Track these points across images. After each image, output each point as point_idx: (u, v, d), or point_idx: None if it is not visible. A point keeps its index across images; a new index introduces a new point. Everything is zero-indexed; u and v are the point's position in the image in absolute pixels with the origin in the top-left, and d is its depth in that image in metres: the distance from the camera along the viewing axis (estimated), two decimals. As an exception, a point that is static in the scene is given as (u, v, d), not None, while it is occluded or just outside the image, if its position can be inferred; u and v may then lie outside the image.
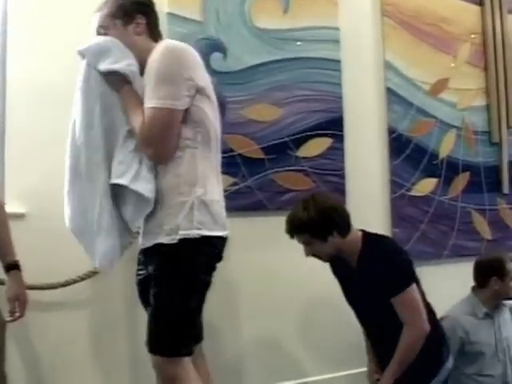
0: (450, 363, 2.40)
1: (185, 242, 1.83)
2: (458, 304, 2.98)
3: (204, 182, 1.90)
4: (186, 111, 1.87)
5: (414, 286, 2.29)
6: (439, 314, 3.31)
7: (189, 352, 1.89)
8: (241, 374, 2.86)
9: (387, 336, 2.33)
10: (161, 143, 1.85)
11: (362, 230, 2.42)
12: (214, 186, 1.95)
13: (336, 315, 2.93)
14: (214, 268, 1.96)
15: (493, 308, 2.92)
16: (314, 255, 2.37)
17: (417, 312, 2.27)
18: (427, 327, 2.27)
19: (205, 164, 1.91)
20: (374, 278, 2.26)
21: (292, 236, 2.34)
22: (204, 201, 1.88)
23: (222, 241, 1.97)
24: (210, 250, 1.90)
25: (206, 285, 1.92)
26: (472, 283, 3.38)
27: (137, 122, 1.86)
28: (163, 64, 1.85)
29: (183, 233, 1.83)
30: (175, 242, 1.83)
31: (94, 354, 2.54)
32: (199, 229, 1.85)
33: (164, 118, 1.83)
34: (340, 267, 2.45)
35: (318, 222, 2.26)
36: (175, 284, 1.84)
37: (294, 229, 2.31)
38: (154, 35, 2.04)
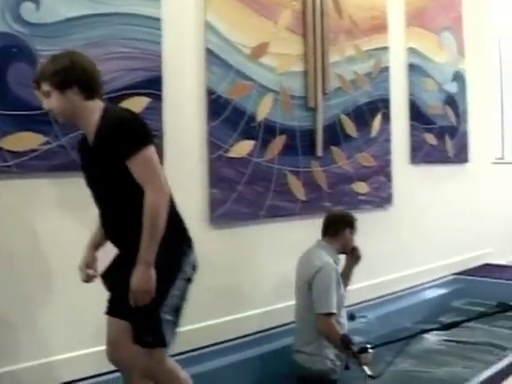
0: (192, 258, 2.44)
1: None
2: (317, 253, 3.35)
3: None
4: None
5: (152, 148, 2.29)
6: (264, 271, 3.65)
7: None
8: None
9: (123, 221, 2.35)
10: None
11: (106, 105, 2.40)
12: None
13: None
14: None
15: None
16: (52, 112, 2.35)
17: (156, 172, 2.26)
18: (168, 190, 2.29)
19: None
20: (108, 145, 2.25)
21: (38, 86, 2.32)
22: None
23: None
24: None
25: None
26: (287, 241, 3.77)
27: None
28: None
29: None
30: None
31: None
32: None
33: None
34: (83, 152, 2.46)
35: (60, 70, 2.26)
36: None
37: (38, 73, 2.32)
38: None
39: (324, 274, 3.21)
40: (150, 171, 2.26)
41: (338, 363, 3.23)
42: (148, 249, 2.22)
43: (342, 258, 3.51)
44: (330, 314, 3.16)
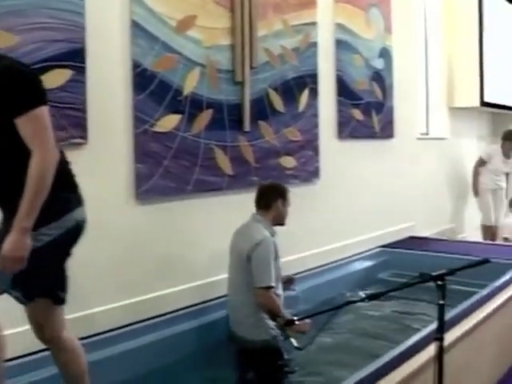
0: (77, 215, 2.36)
1: None
2: (255, 227, 3.40)
3: None
4: None
5: (46, 108, 2.21)
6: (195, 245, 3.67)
7: None
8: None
9: (7, 183, 2.24)
10: None
11: None
12: None
13: None
14: None
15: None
16: None
17: (47, 134, 2.17)
18: (57, 152, 2.23)
19: None
20: None
21: None
22: None
23: None
24: None
25: None
26: (214, 215, 3.80)
27: None
28: None
29: None
30: None
31: None
32: None
33: None
34: None
35: None
36: None
37: None
38: None
39: (263, 247, 3.27)
40: (41, 132, 2.16)
41: (279, 332, 3.32)
42: (28, 215, 2.11)
43: (279, 229, 3.55)
44: (269, 288, 3.23)
